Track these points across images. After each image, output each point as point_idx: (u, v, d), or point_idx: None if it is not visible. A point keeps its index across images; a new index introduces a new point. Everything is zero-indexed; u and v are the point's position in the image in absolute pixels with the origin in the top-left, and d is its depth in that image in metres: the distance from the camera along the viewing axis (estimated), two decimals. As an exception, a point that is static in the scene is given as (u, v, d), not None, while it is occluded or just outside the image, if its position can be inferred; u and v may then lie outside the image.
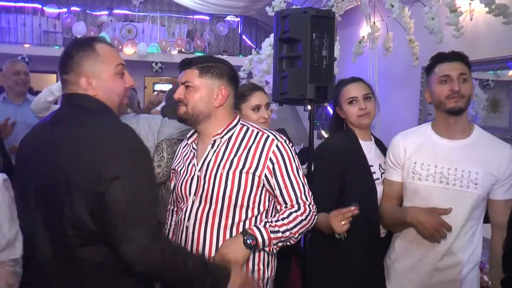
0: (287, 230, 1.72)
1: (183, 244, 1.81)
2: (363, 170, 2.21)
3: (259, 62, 4.80)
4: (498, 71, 4.73)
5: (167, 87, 14.08)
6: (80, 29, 9.27)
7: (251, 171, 1.74)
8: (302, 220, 1.75)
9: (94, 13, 10.69)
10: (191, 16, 11.06)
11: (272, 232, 1.70)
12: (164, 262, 1.40)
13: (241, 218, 1.76)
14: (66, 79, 1.53)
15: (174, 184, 1.95)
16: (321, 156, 2.30)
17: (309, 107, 2.72)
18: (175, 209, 2.02)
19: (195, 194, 1.80)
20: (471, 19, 4.72)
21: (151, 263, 1.38)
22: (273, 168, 1.75)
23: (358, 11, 5.57)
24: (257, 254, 1.79)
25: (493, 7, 3.56)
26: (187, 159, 1.91)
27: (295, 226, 1.73)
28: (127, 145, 1.43)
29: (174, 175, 2.00)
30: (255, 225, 1.74)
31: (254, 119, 2.27)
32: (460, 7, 4.11)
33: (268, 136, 1.79)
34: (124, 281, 1.45)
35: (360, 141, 2.30)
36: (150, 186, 1.47)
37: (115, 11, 10.68)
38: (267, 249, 1.73)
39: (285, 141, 1.81)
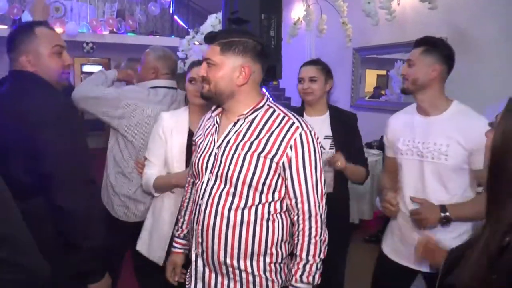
0: (317, 264, 1.68)
1: (195, 221, 1.75)
2: None
3: (200, 43, 4.86)
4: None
5: (96, 68, 13.70)
6: (0, 5, 8.75)
7: (270, 155, 1.63)
8: (320, 235, 1.69)
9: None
10: (121, -5, 10.79)
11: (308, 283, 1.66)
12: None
13: (254, 202, 1.66)
14: (10, 57, 1.79)
15: (193, 157, 1.88)
16: None
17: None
18: (194, 181, 1.94)
19: (210, 172, 1.72)
20: (398, 4, 5.04)
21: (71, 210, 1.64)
22: (291, 157, 1.64)
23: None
24: (267, 266, 1.72)
25: (420, -8, 3.87)
26: (208, 133, 1.82)
27: (320, 251, 1.69)
28: (56, 112, 1.67)
29: (194, 147, 1.93)
30: None
31: (190, 90, 2.34)
32: (390, -8, 4.40)
33: (293, 123, 1.67)
34: (50, 227, 1.68)
35: (308, 117, 2.65)
36: (77, 148, 1.71)
37: (40, -12, 10.16)
38: None
39: (310, 132, 1.68)
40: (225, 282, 1.71)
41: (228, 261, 1.67)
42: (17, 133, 1.62)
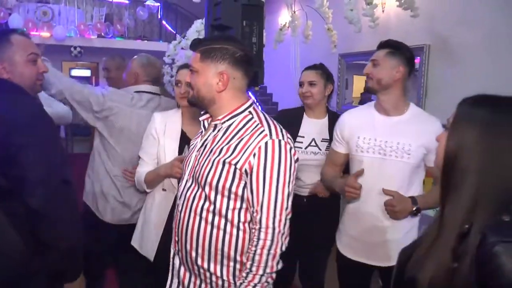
0: (260, 277, 1.61)
1: (174, 220, 1.81)
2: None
3: (185, 48, 4.88)
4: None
5: (84, 72, 13.66)
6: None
7: (234, 162, 1.63)
8: (269, 249, 1.62)
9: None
10: (109, 0, 10.78)
11: None
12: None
13: (221, 207, 1.67)
14: None
15: None
16: None
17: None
18: None
19: (189, 174, 1.77)
20: (382, 11, 5.10)
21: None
22: (253, 165, 1.61)
23: (276, 0, 5.78)
24: (237, 272, 1.70)
25: (402, 1, 3.93)
26: (198, 137, 1.89)
27: (265, 265, 1.62)
28: (29, 117, 1.71)
29: None
30: None
31: (176, 93, 2.46)
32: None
33: (263, 131, 1.64)
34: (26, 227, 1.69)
35: (308, 118, 2.81)
36: (50, 151, 1.75)
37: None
38: None
39: (279, 141, 1.63)
40: (197, 282, 1.76)
41: (199, 262, 1.70)
42: None
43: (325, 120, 2.79)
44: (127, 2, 10.78)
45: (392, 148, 2.19)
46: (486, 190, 1.03)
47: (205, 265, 1.70)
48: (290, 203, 1.66)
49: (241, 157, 1.63)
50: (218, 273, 1.70)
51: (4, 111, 1.69)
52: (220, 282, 1.70)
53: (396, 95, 2.23)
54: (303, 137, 2.75)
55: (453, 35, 4.38)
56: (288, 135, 1.70)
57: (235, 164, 1.63)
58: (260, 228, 1.62)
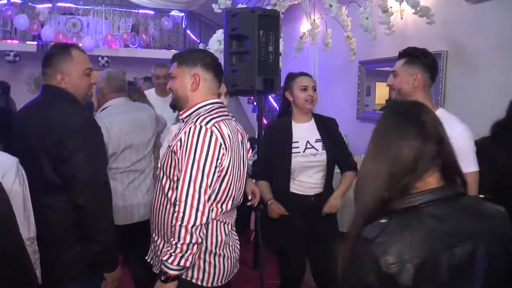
0: (174, 248, 1.74)
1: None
2: (283, 146, 2.79)
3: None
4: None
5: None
6: (22, 22, 9.07)
7: (171, 145, 1.87)
8: (181, 221, 1.74)
9: (36, 5, 10.40)
10: (136, 10, 11.05)
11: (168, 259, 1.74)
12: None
13: (165, 186, 1.91)
14: (46, 72, 2.06)
15: None
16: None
17: (253, 99, 3.18)
18: None
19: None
20: (401, 18, 5.17)
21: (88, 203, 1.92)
22: (178, 147, 1.82)
23: (299, 9, 5.89)
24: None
25: (418, 8, 4.00)
26: None
27: (178, 237, 1.73)
28: (82, 123, 1.97)
29: None
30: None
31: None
32: (391, 7, 4.54)
33: (194, 120, 1.85)
34: (71, 220, 1.95)
35: (297, 124, 2.87)
36: (98, 154, 2.02)
37: (58, 4, 10.47)
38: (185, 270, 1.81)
39: (201, 127, 1.80)
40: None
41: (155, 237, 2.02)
42: (48, 139, 1.90)
43: (312, 123, 2.90)
44: (152, 12, 11.04)
45: None
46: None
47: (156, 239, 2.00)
48: (210, 182, 1.79)
49: (175, 141, 1.86)
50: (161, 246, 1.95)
51: (62, 117, 1.94)
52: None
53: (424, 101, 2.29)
54: (297, 142, 2.85)
55: (468, 41, 4.43)
56: (219, 125, 1.85)
57: (171, 147, 1.87)
58: (175, 202, 1.79)
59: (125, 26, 10.93)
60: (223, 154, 1.83)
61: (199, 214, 1.74)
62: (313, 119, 2.91)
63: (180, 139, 1.81)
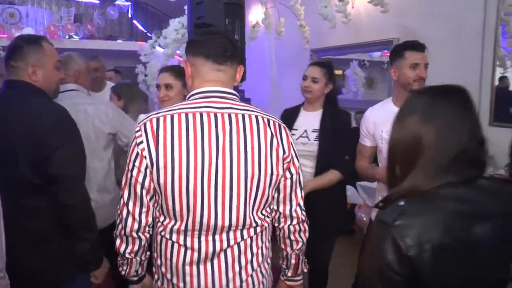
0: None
1: None
2: None
3: (164, 46, 4.98)
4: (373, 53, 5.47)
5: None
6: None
7: None
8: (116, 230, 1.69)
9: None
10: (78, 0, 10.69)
11: None
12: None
13: None
14: (14, 65, 1.92)
15: None
16: None
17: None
18: None
19: None
20: (352, 7, 5.29)
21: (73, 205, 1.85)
22: None
23: (250, -2, 5.90)
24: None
25: (372, -3, 4.13)
26: None
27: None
28: (62, 120, 1.89)
29: None
30: None
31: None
32: (346, -4, 4.65)
33: None
34: (55, 220, 1.87)
35: (305, 112, 2.98)
36: (79, 151, 1.93)
37: (-7, -8, 9.92)
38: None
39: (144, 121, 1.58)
40: None
41: None
42: (25, 138, 1.80)
43: (318, 113, 2.92)
44: (97, 2, 10.71)
45: None
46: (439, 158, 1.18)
47: None
48: (128, 180, 1.56)
49: None
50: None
51: (37, 115, 1.84)
52: None
53: (397, 88, 2.52)
54: (296, 129, 2.91)
55: (421, 29, 4.58)
56: (156, 118, 1.56)
57: None
58: None
59: (67, 16, 10.52)
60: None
61: (122, 222, 1.69)
62: (321, 110, 2.93)
63: None
